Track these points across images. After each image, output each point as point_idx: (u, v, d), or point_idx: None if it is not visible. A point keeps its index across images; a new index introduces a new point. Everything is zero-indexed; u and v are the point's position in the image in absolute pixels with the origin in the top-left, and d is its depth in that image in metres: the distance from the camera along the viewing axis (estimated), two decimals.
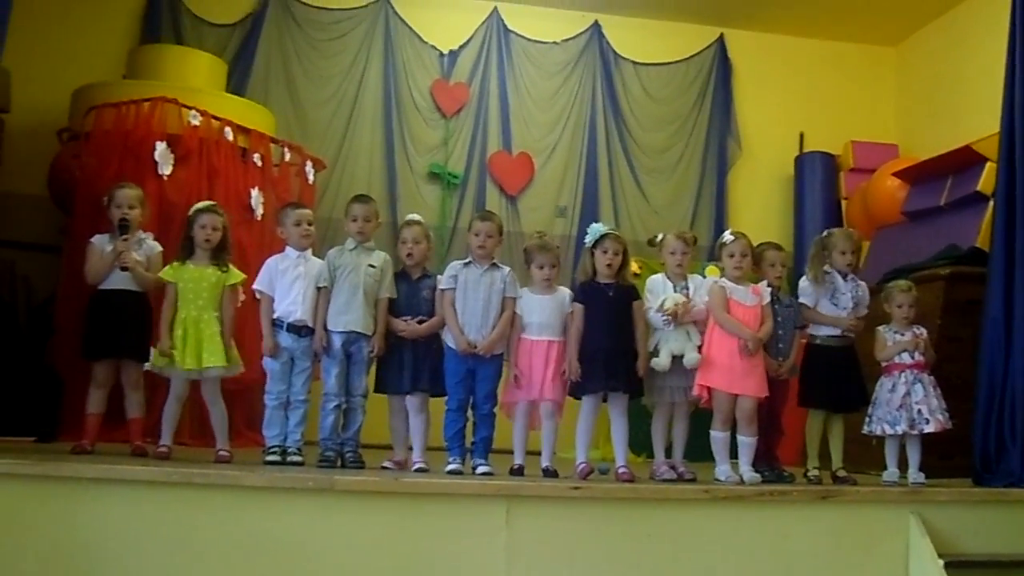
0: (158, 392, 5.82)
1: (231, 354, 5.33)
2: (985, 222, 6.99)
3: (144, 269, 5.42)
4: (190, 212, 5.49)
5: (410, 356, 5.21)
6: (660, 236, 5.45)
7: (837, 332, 5.54)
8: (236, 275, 5.43)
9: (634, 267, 5.69)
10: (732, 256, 5.31)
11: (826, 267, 5.60)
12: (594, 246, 5.26)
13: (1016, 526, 4.93)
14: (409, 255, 5.31)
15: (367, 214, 5.39)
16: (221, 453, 5.24)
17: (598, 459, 5.25)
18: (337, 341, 5.23)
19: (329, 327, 5.24)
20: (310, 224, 5.47)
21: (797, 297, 5.62)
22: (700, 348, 5.20)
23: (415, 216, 5.51)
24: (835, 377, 5.50)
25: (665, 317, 5.17)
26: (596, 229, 5.30)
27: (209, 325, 5.28)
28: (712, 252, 8.45)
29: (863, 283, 5.67)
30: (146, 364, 5.38)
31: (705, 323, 5.27)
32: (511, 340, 5.22)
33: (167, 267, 5.38)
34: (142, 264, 5.42)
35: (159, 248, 5.58)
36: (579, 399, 5.22)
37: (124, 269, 5.32)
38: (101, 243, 5.45)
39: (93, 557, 4.19)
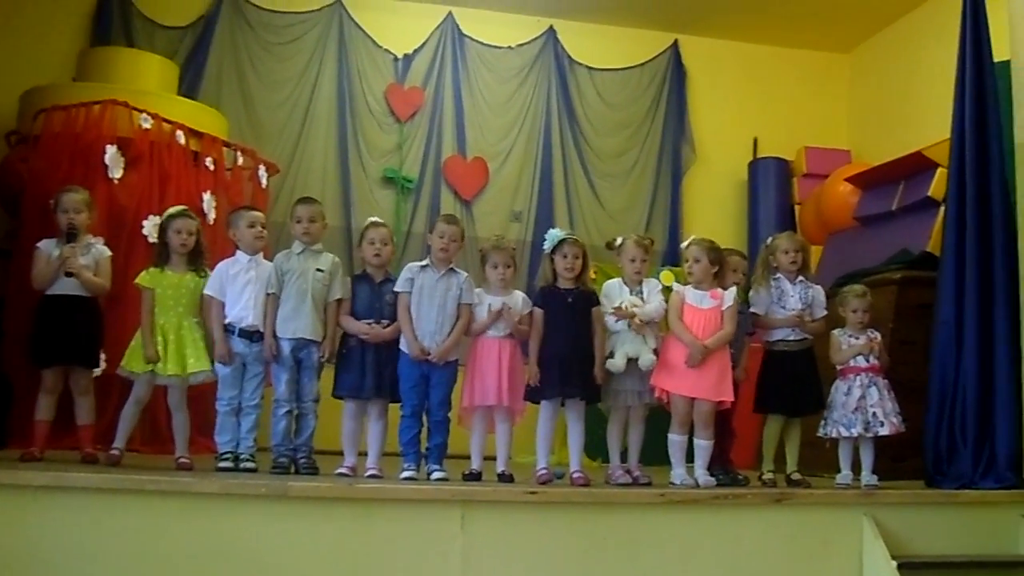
0: (109, 397, 5.75)
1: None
2: (936, 227, 7.07)
3: (92, 274, 5.35)
4: (162, 218, 5.44)
5: (372, 360, 5.16)
6: (619, 240, 5.44)
7: (792, 335, 5.56)
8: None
9: (591, 273, 5.68)
10: (686, 261, 5.33)
11: (776, 275, 5.64)
12: (553, 251, 5.25)
13: (968, 527, 4.99)
14: (377, 255, 5.26)
15: (312, 215, 5.34)
16: (182, 460, 5.19)
17: (553, 464, 5.25)
18: (286, 347, 5.19)
19: (278, 334, 5.20)
20: (263, 227, 5.42)
21: (749, 307, 5.64)
22: (656, 351, 5.19)
23: (378, 218, 5.47)
24: (793, 381, 5.52)
25: (617, 318, 5.17)
26: (554, 235, 5.29)
27: (191, 331, 5.24)
28: (667, 257, 8.55)
29: (818, 286, 5.71)
30: (98, 370, 5.31)
31: (661, 326, 5.28)
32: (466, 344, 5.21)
33: (143, 273, 5.33)
34: (89, 269, 5.34)
35: (108, 252, 5.51)
36: (537, 404, 5.20)
37: (69, 275, 5.24)
38: (48, 248, 5.37)
39: (43, 566, 4.13)
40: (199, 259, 5.41)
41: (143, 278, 5.31)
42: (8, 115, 7.46)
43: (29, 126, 6.98)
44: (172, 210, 5.48)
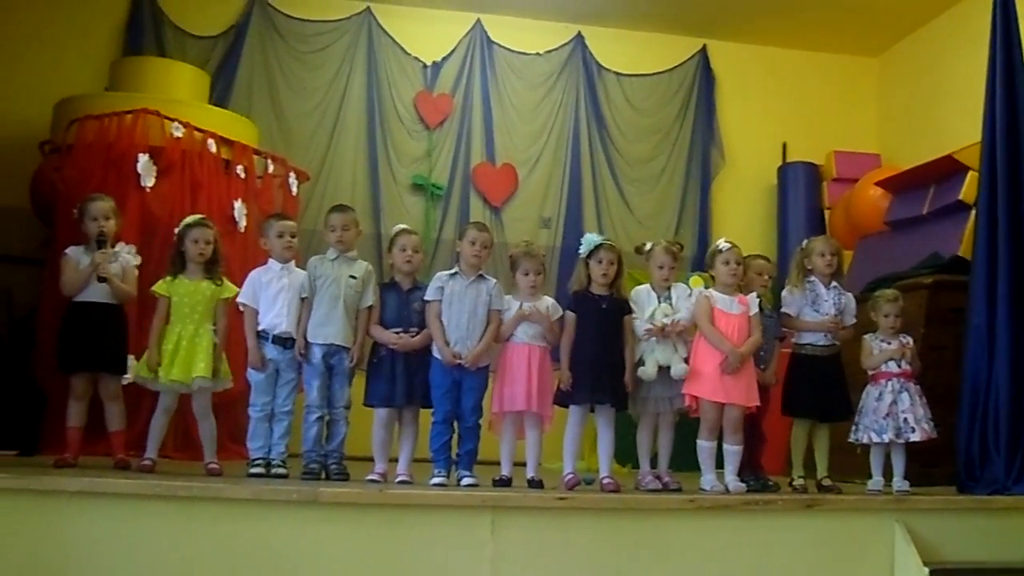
0: (140, 405, 5.79)
1: (222, 368, 5.31)
2: (967, 231, 7.03)
3: (119, 281, 5.39)
4: (180, 227, 5.45)
5: (403, 368, 5.16)
6: (648, 246, 5.44)
7: (822, 340, 5.55)
8: (230, 288, 5.40)
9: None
10: (727, 264, 5.28)
11: (810, 278, 5.63)
12: (589, 256, 5.26)
13: (1000, 534, 4.94)
14: (409, 261, 5.27)
15: (346, 223, 5.37)
16: (211, 466, 5.21)
17: (583, 470, 5.24)
18: (318, 353, 5.21)
19: (309, 339, 5.22)
20: (293, 236, 5.45)
21: (779, 308, 5.63)
22: (687, 359, 5.19)
23: (407, 226, 5.49)
24: (820, 386, 5.51)
25: (648, 327, 5.17)
26: (591, 239, 5.29)
27: (204, 338, 5.26)
28: (697, 262, 8.53)
29: (848, 293, 5.69)
30: (129, 376, 5.35)
31: (691, 333, 5.27)
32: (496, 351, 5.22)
33: (160, 282, 5.35)
34: (118, 276, 5.39)
35: (134, 261, 5.56)
36: (567, 408, 5.21)
37: (101, 280, 5.29)
38: (76, 255, 5.42)
39: (74, 571, 4.15)
40: (215, 267, 5.42)
41: (159, 286, 5.32)
42: (42, 125, 7.53)
43: (62, 135, 7.05)
44: (189, 219, 5.48)
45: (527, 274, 5.24)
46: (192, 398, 5.33)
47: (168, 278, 5.35)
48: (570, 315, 5.22)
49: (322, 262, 5.33)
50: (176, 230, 5.44)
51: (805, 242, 5.80)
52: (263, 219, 5.87)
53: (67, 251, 5.47)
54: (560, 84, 9.64)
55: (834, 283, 5.63)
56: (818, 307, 5.58)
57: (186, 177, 6.95)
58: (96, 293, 5.34)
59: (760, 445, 5.58)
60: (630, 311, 5.26)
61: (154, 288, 5.35)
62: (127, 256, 5.55)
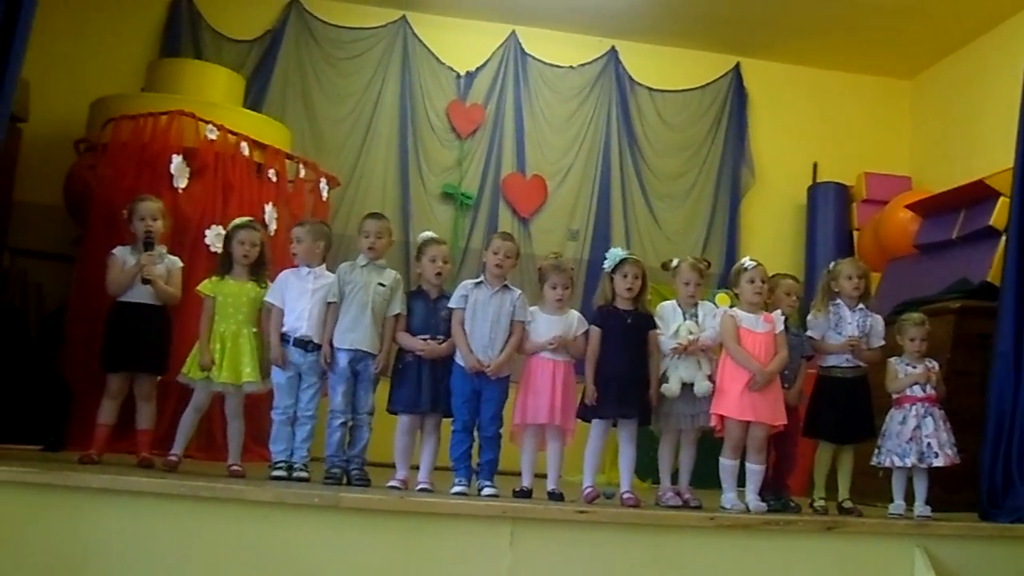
0: (164, 405, 5.83)
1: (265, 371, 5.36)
2: (997, 257, 6.98)
3: (164, 283, 5.44)
4: (228, 228, 5.53)
5: (428, 376, 5.18)
6: (675, 262, 5.45)
7: (847, 362, 5.53)
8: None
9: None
10: (752, 282, 5.28)
11: (836, 300, 5.62)
12: (613, 271, 5.27)
13: (1021, 562, 4.90)
14: (439, 273, 5.29)
15: (380, 231, 5.39)
16: (234, 468, 5.23)
17: (604, 484, 5.25)
18: (343, 359, 5.23)
19: (336, 344, 5.24)
20: (299, 242, 5.43)
21: (806, 330, 5.63)
22: (711, 376, 5.19)
23: (435, 235, 5.49)
24: (842, 408, 5.49)
25: (673, 346, 5.18)
26: (615, 254, 5.30)
27: (248, 340, 5.31)
28: (723, 279, 8.51)
29: (877, 316, 5.67)
30: (178, 376, 5.38)
31: (715, 352, 5.27)
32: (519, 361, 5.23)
33: (205, 281, 5.41)
34: (162, 278, 5.43)
35: (180, 263, 5.60)
36: (589, 422, 5.21)
37: (146, 282, 5.34)
38: (123, 255, 5.46)
39: (95, 568, 4.19)
40: (261, 270, 5.47)
41: (205, 286, 5.39)
42: (78, 123, 7.60)
43: (98, 134, 7.11)
44: (238, 221, 5.55)
45: (555, 288, 5.24)
46: (225, 398, 5.37)
47: (214, 278, 5.40)
48: (595, 330, 5.22)
49: (352, 268, 5.35)
50: (222, 231, 5.48)
51: (832, 264, 5.78)
52: (293, 223, 5.90)
53: (114, 251, 5.50)
54: (592, 97, 9.64)
55: (860, 305, 5.61)
56: (841, 330, 5.56)
57: (218, 179, 6.99)
58: (140, 294, 5.39)
59: (789, 466, 5.57)
60: (655, 326, 5.26)
61: (199, 288, 5.40)
62: (173, 258, 5.59)
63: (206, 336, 5.29)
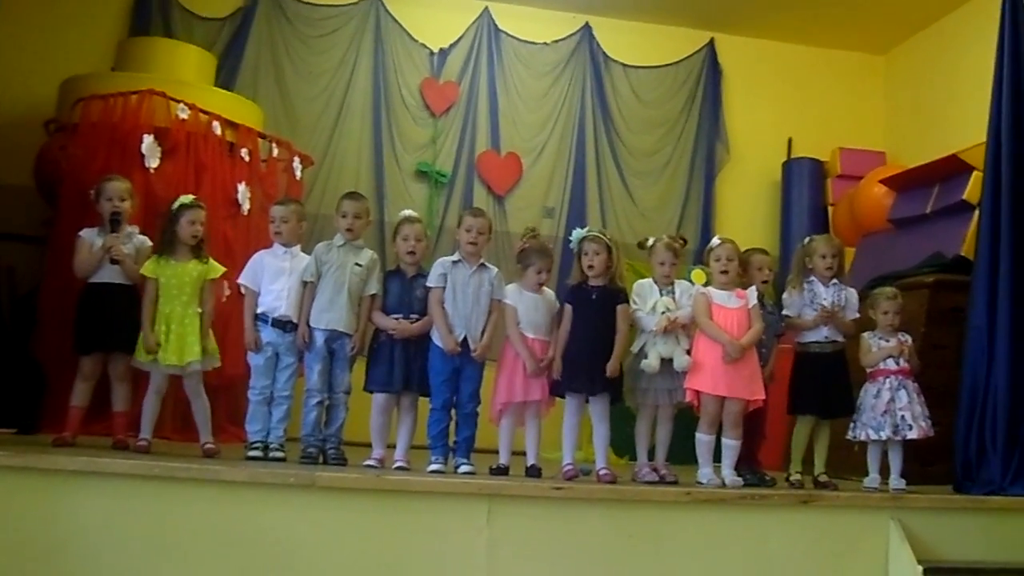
0: (139, 386, 5.80)
1: (208, 346, 5.32)
2: (970, 231, 7.01)
3: (133, 262, 5.39)
4: (174, 207, 5.46)
5: (401, 355, 5.17)
6: (651, 241, 5.45)
7: (825, 338, 5.55)
8: (217, 268, 5.43)
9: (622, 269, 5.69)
10: (718, 260, 5.30)
11: (810, 277, 5.64)
12: (579, 250, 5.27)
13: (995, 534, 4.95)
14: (411, 252, 5.27)
15: (357, 211, 5.37)
16: (207, 446, 5.23)
17: (580, 460, 5.26)
18: (320, 338, 5.22)
19: (312, 324, 5.23)
20: (285, 221, 5.41)
21: (780, 305, 5.64)
22: (689, 351, 5.20)
23: (413, 213, 5.46)
24: (824, 384, 5.51)
25: (654, 327, 5.19)
26: (577, 234, 5.32)
27: (193, 320, 5.28)
28: (699, 255, 8.51)
29: (852, 289, 5.69)
30: (131, 360, 5.35)
31: (693, 328, 5.28)
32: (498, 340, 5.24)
33: (147, 263, 5.35)
34: (131, 257, 5.39)
35: (149, 243, 5.54)
36: (562, 398, 5.22)
37: (115, 262, 5.30)
38: (90, 237, 5.42)
39: (71, 550, 4.17)
40: (201, 247, 5.44)
41: (147, 267, 5.32)
42: (47, 103, 7.53)
43: (68, 115, 7.04)
44: (184, 200, 5.47)
45: (540, 272, 5.25)
46: (183, 379, 5.35)
47: (155, 258, 5.36)
48: (567, 308, 5.23)
49: (329, 248, 5.33)
50: (172, 209, 5.44)
51: (807, 240, 5.79)
52: (267, 203, 5.87)
53: (81, 233, 5.46)
54: (567, 74, 9.62)
55: (834, 280, 5.63)
56: (816, 306, 5.57)
57: (190, 159, 6.93)
58: (109, 274, 5.35)
59: (760, 441, 5.59)
60: (624, 300, 5.26)
61: (141, 269, 5.34)
62: (141, 237, 5.55)
63: (148, 319, 5.24)
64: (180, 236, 5.36)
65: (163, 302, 5.28)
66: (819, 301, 5.55)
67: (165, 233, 5.41)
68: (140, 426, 5.33)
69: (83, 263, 5.38)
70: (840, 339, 5.57)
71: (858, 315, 5.63)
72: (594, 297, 5.20)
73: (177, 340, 5.23)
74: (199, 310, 5.32)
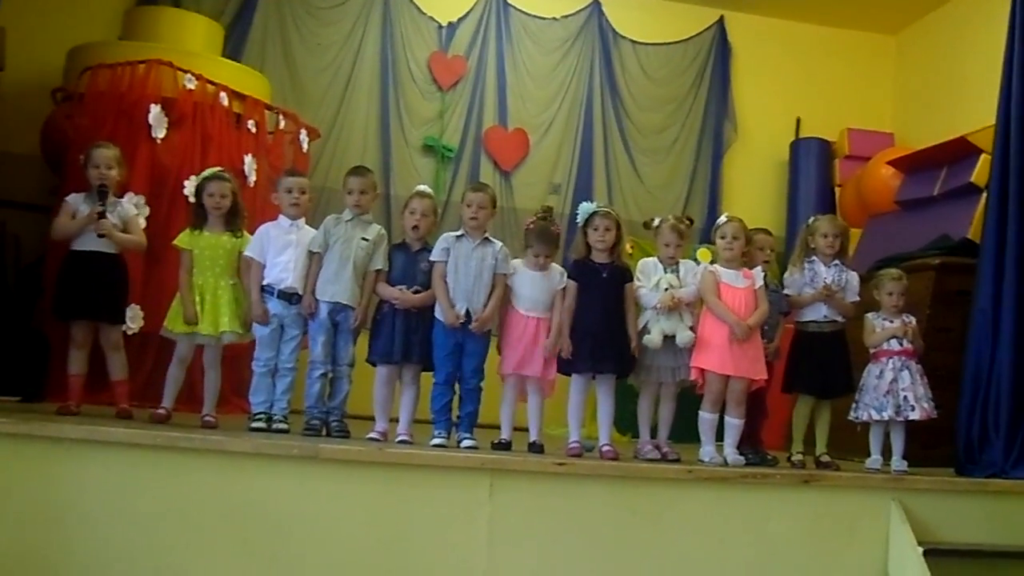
0: (143, 355, 5.81)
1: (244, 318, 5.34)
2: (977, 214, 7.01)
3: (121, 232, 5.38)
4: (198, 180, 5.48)
5: (402, 325, 5.16)
6: (656, 221, 5.42)
7: (824, 317, 5.55)
8: (250, 241, 5.41)
9: (627, 247, 5.69)
10: (724, 238, 5.30)
11: (811, 257, 5.64)
12: (586, 225, 5.25)
13: (996, 516, 4.96)
14: (415, 227, 5.27)
15: (364, 186, 5.36)
16: (207, 418, 5.23)
17: (584, 437, 5.26)
18: (323, 310, 5.22)
19: (317, 296, 5.23)
20: (303, 192, 5.43)
21: (783, 286, 5.65)
22: (692, 328, 5.19)
23: (426, 188, 5.45)
24: (822, 363, 5.52)
25: (656, 304, 5.18)
26: (586, 208, 5.29)
27: (226, 292, 5.30)
28: (706, 234, 8.52)
29: (853, 272, 5.69)
30: (133, 326, 5.34)
31: (697, 306, 5.28)
32: (501, 314, 5.23)
33: (182, 235, 5.38)
34: (117, 227, 5.37)
35: (134, 211, 5.53)
36: (568, 376, 5.22)
37: (101, 237, 5.28)
38: (76, 202, 5.38)
39: (73, 519, 4.19)
40: (236, 220, 5.44)
41: (181, 239, 5.36)
42: (55, 72, 7.51)
43: (75, 84, 7.03)
44: (207, 172, 5.50)
45: (537, 256, 5.22)
46: (204, 349, 5.36)
47: (189, 230, 5.37)
48: (571, 284, 5.21)
49: (337, 222, 5.31)
50: (195, 183, 5.44)
51: (811, 219, 5.80)
52: (273, 175, 5.86)
53: (67, 197, 5.44)
54: (575, 50, 9.58)
55: (836, 261, 5.62)
56: (815, 285, 5.57)
57: (197, 130, 6.93)
58: (94, 242, 5.30)
59: (761, 420, 5.59)
60: (631, 278, 5.25)
61: (176, 242, 5.38)
62: (127, 206, 5.52)
63: (187, 290, 5.26)
64: (207, 208, 5.36)
65: (197, 273, 5.30)
66: (819, 280, 5.55)
67: (195, 206, 5.43)
68: (144, 395, 5.35)
69: (61, 226, 5.34)
70: (839, 319, 5.58)
71: (858, 298, 5.63)
72: (604, 275, 5.19)
73: (211, 311, 5.25)
74: (232, 281, 5.33)
